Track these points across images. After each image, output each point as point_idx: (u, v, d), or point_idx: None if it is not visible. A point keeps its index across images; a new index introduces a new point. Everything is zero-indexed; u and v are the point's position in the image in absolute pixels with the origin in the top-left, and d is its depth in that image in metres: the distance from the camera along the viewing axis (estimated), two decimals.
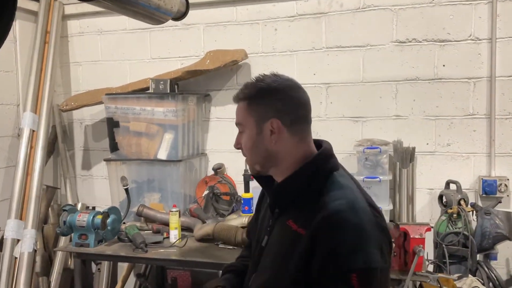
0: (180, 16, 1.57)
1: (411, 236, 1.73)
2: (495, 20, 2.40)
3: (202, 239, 2.30)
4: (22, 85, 3.03)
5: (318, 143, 1.19)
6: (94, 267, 3.13)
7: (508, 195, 2.41)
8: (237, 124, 1.20)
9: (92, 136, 3.28)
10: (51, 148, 3.17)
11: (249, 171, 1.26)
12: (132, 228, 2.33)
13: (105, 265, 2.98)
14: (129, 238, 2.30)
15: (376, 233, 1.00)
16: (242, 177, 2.65)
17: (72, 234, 2.31)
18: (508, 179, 2.41)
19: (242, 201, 2.47)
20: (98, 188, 3.26)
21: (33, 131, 2.73)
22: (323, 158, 1.12)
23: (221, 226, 2.21)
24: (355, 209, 1.01)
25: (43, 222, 2.98)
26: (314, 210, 1.02)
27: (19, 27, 3.00)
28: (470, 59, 2.46)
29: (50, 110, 2.87)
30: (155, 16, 1.38)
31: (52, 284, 2.72)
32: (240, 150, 1.21)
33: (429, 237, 2.25)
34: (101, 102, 2.88)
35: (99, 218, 2.27)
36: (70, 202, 3.10)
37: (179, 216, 2.35)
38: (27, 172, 2.61)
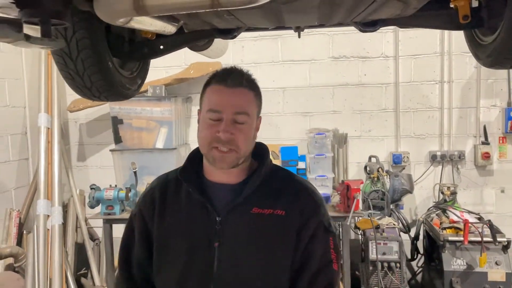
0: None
1: (352, 187, 2.69)
2: (398, 44, 3.47)
3: None
4: (28, 90, 3.57)
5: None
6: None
7: (409, 164, 3.51)
8: (241, 113, 1.13)
9: (86, 133, 3.89)
10: None
11: (223, 164, 1.15)
12: None
13: (102, 240, 3.63)
14: None
15: None
16: None
17: (100, 206, 2.98)
18: (409, 153, 3.50)
19: None
20: (92, 176, 3.88)
21: (48, 128, 3.31)
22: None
23: None
24: (315, 188, 1.26)
25: None
26: (286, 192, 1.19)
27: None
28: (382, 71, 3.52)
29: (60, 111, 3.45)
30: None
31: (70, 252, 3.34)
32: (221, 141, 1.12)
33: None
34: (102, 104, 3.53)
35: (122, 192, 2.97)
36: (72, 188, 3.69)
37: None
38: (48, 162, 3.20)
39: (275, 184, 1.21)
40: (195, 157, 1.26)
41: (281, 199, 1.18)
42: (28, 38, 1.00)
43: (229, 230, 1.15)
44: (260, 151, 1.24)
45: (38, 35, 1.05)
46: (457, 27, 1.45)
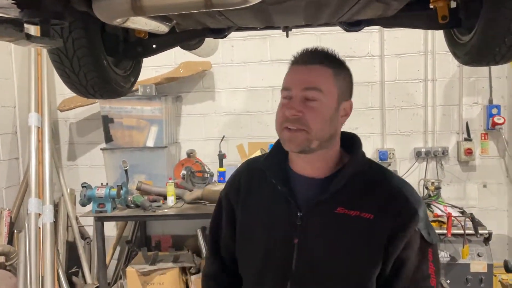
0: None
1: None
2: (383, 43, 3.56)
3: (192, 202, 3.14)
4: (18, 90, 3.59)
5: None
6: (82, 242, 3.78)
7: (394, 160, 3.60)
8: (310, 88, 1.06)
9: (76, 132, 3.91)
10: None
11: (292, 145, 1.08)
12: (138, 197, 3.10)
13: (94, 238, 3.66)
14: (136, 204, 3.07)
15: None
16: (212, 158, 3.56)
17: (91, 204, 3.02)
18: (394, 150, 3.59)
19: (218, 174, 3.36)
20: (82, 175, 3.89)
21: (38, 127, 3.32)
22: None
23: (208, 190, 3.08)
24: (414, 190, 1.10)
25: None
26: (378, 193, 1.07)
27: None
28: (368, 69, 3.61)
29: (50, 110, 3.47)
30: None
31: (61, 250, 3.36)
32: (289, 120, 1.06)
33: None
34: (93, 103, 3.56)
35: (114, 190, 3.01)
36: (63, 187, 3.71)
37: (174, 187, 3.17)
38: (39, 161, 3.22)
39: (366, 182, 1.10)
40: (281, 145, 1.16)
41: (370, 200, 1.07)
42: (29, 37, 1.05)
43: (310, 228, 1.08)
44: (352, 143, 1.16)
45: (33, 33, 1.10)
46: (436, 27, 1.53)
